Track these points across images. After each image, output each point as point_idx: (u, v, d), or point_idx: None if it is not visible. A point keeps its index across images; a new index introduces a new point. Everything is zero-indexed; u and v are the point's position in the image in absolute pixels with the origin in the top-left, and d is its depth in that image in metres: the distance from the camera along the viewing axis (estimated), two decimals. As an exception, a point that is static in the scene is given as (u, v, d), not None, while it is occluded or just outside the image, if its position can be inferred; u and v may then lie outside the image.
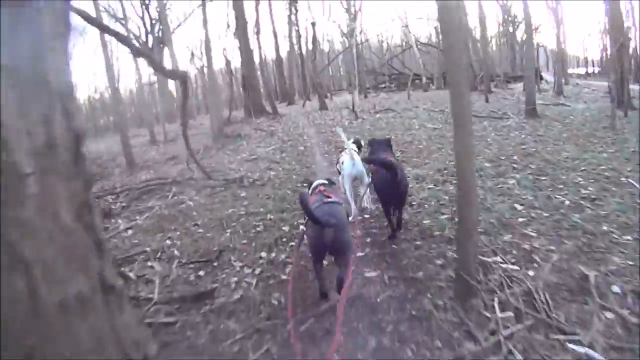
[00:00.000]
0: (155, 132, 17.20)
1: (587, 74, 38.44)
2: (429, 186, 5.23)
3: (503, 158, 6.33)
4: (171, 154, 12.23)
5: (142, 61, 19.77)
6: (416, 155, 7.57)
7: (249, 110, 18.52)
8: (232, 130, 14.45)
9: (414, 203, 4.62)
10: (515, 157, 6.28)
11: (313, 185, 3.41)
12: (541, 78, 26.48)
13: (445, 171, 5.80)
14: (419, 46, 29.73)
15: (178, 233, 4.62)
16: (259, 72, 24.65)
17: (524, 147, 7.05)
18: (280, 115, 18.03)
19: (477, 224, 2.81)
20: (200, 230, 4.62)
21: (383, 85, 32.76)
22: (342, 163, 4.43)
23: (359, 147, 4.90)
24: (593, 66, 42.22)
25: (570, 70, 36.21)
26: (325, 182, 3.39)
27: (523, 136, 8.20)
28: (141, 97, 26.59)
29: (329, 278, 2.85)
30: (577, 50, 52.41)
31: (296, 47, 29.36)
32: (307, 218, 2.68)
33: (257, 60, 23.20)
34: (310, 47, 25.99)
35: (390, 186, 3.42)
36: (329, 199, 2.94)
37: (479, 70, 24.49)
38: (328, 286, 2.77)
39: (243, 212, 5.03)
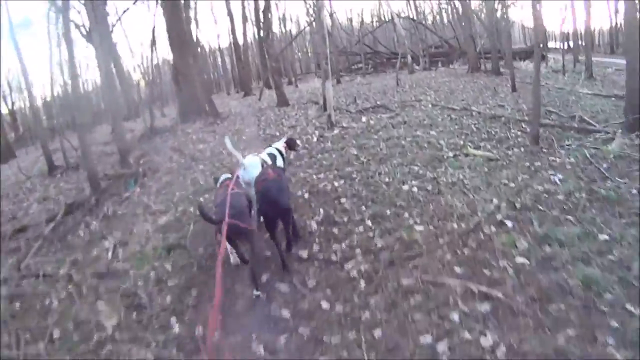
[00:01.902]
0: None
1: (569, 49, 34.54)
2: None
3: None
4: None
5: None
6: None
7: (183, 111, 13.25)
8: (141, 155, 9.23)
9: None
10: None
11: (220, 180, 4.09)
12: (543, 57, 22.26)
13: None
14: (399, 22, 24.75)
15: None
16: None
17: None
18: (222, 117, 12.83)
19: None
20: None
21: (357, 67, 27.77)
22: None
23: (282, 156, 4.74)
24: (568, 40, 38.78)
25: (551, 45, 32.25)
26: (230, 176, 4.04)
27: None
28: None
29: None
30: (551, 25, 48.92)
31: (254, 28, 23.91)
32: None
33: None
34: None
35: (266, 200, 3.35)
36: (233, 190, 3.43)
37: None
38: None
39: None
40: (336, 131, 8.03)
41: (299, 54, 38.05)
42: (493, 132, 7.09)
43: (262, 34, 15.70)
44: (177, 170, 7.33)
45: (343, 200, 4.64)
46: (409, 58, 21.03)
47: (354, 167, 5.78)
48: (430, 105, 10.15)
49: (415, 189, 4.77)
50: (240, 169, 4.20)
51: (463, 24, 22.06)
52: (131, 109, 18.87)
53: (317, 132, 8.17)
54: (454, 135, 7.04)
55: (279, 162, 4.66)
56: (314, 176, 5.61)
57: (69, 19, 9.38)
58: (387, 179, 5.15)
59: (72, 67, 8.59)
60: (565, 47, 26.68)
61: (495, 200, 4.22)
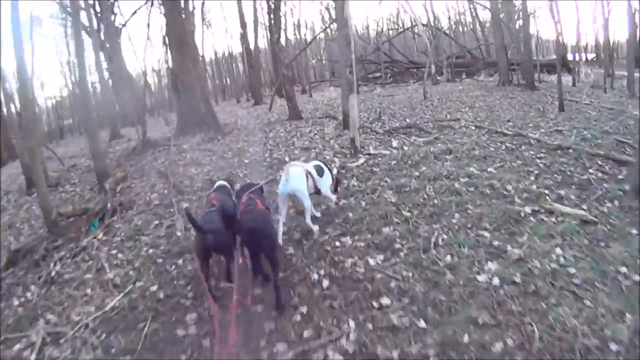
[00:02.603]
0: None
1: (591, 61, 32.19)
2: None
3: None
4: None
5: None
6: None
7: (182, 124, 11.64)
8: (121, 178, 7.56)
9: None
10: None
11: (215, 186, 4.06)
12: (569, 70, 20.29)
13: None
14: (424, 30, 22.93)
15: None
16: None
17: None
18: (225, 131, 11.16)
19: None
20: None
21: (376, 76, 25.98)
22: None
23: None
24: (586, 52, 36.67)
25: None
26: (224, 183, 4.05)
27: None
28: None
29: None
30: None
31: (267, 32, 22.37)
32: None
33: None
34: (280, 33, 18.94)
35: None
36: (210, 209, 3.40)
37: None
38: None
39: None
40: (362, 160, 6.27)
41: (313, 61, 36.47)
42: (568, 172, 5.29)
43: (273, 36, 14.01)
44: (154, 208, 5.64)
45: (385, 301, 2.90)
46: (433, 68, 19.20)
47: (395, 226, 4.03)
48: (473, 128, 8.34)
49: (496, 281, 3.00)
50: (282, 178, 3.94)
51: (492, 31, 20.28)
52: (139, 113, 17.34)
53: (337, 161, 6.41)
54: (519, 174, 5.25)
55: (326, 180, 4.32)
56: (336, 242, 3.86)
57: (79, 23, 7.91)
58: (449, 257, 3.39)
59: (82, 68, 7.12)
60: (584, 58, 24.78)
61: (627, 316, 2.46)
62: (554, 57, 24.34)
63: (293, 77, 12.95)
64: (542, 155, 6.03)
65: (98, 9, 16.73)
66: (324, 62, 36.19)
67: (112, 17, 17.05)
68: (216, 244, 3.08)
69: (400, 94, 16.38)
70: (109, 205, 5.71)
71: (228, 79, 35.76)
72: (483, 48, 27.28)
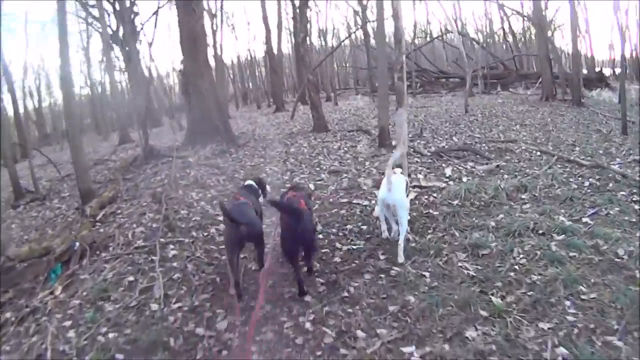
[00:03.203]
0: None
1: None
2: None
3: None
4: None
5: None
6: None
7: (191, 132, 10.36)
8: (108, 200, 6.21)
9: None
10: None
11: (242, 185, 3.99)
12: (606, 85, 18.31)
13: None
14: (459, 39, 21.20)
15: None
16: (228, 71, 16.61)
17: None
18: (239, 142, 9.77)
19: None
20: None
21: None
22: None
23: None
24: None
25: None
26: (252, 183, 3.85)
27: None
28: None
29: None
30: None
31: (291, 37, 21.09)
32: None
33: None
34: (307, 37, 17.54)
35: (292, 231, 3.01)
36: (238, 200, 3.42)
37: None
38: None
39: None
40: (412, 195, 4.73)
41: (337, 68, 35.02)
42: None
43: (298, 37, 12.60)
44: (134, 252, 4.21)
45: None
46: (469, 79, 17.51)
47: (484, 327, 2.49)
48: (537, 153, 6.74)
49: None
50: (383, 185, 3.68)
51: (537, 41, 18.49)
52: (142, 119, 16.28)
53: (378, 195, 4.89)
54: (623, 228, 3.68)
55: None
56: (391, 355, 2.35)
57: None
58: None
59: (65, 63, 5.97)
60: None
61: None
62: (585, 71, 22.47)
63: (318, 83, 11.40)
64: (637, 198, 4.41)
65: (117, 7, 15.81)
66: (348, 68, 34.69)
67: (132, 16, 16.12)
68: (249, 234, 3.10)
69: (434, 105, 14.83)
70: (76, 245, 4.32)
71: (250, 84, 34.71)
72: (517, 59, 25.45)
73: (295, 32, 16.79)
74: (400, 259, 3.39)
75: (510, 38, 27.91)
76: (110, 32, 16.15)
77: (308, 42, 13.19)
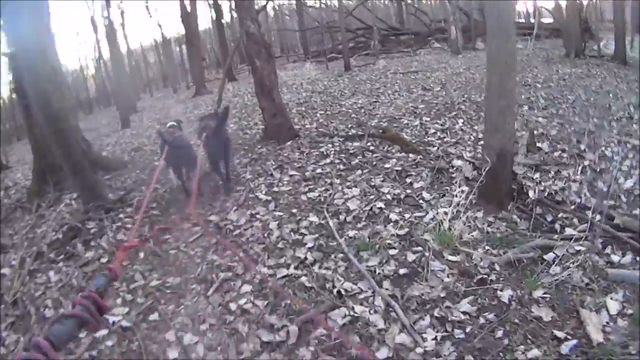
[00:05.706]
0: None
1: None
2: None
3: None
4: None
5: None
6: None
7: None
8: None
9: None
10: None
11: (167, 126, 4.65)
12: (592, 36, 14.78)
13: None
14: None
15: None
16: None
17: None
18: (109, 202, 4.88)
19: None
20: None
21: (358, 47, 19.52)
22: None
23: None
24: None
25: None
26: (174, 123, 4.60)
27: None
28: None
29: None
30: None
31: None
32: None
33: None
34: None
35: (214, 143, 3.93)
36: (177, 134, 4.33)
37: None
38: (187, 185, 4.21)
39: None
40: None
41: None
42: None
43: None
44: None
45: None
46: (453, 32, 13.47)
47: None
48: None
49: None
50: None
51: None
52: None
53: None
54: None
55: None
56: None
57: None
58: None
59: None
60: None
61: None
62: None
63: (265, 40, 5.74)
64: None
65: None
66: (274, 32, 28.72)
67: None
68: (185, 157, 4.00)
69: (410, 66, 10.67)
70: None
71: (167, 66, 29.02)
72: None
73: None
74: None
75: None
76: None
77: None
